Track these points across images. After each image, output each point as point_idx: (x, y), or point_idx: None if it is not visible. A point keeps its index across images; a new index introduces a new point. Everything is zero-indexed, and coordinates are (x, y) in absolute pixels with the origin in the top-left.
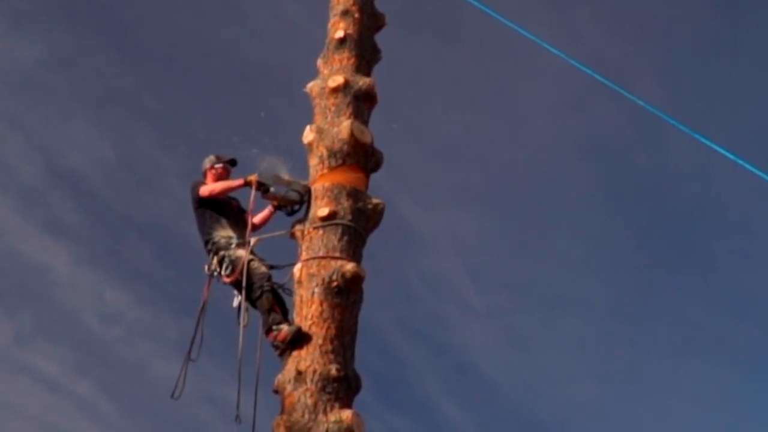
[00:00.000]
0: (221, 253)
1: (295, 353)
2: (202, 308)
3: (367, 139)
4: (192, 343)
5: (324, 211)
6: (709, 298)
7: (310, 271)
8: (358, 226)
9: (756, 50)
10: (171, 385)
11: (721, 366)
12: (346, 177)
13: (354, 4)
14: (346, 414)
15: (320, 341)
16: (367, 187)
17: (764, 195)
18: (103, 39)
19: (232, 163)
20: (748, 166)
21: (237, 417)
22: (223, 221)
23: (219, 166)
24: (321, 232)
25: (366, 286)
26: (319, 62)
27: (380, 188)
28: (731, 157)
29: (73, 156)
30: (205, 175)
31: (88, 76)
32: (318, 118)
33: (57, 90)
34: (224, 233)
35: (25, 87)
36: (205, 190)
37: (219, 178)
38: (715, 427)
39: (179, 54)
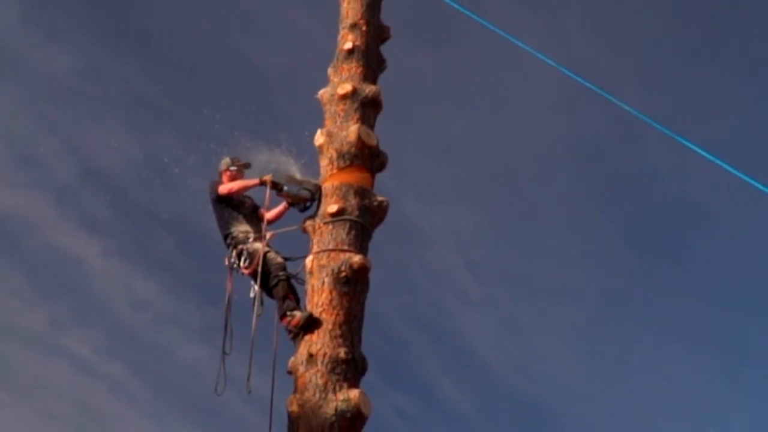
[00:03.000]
0: (240, 246)
1: (307, 337)
2: (228, 301)
3: (373, 142)
4: (225, 338)
5: (333, 208)
6: (687, 288)
7: (320, 263)
8: (365, 221)
9: (730, 57)
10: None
11: (700, 351)
12: (353, 177)
13: (362, 17)
14: (354, 393)
15: (330, 326)
16: (373, 186)
17: (738, 191)
18: (130, 49)
19: (246, 166)
20: (723, 165)
21: (248, 385)
22: (240, 217)
23: (234, 168)
24: (330, 227)
25: (372, 276)
26: (330, 71)
27: (385, 187)
28: (707, 156)
29: (104, 156)
30: (221, 175)
31: (117, 83)
32: (328, 123)
33: (89, 96)
34: (242, 228)
35: (60, 94)
36: (224, 189)
37: (233, 179)
38: (696, 406)
39: (201, 62)
